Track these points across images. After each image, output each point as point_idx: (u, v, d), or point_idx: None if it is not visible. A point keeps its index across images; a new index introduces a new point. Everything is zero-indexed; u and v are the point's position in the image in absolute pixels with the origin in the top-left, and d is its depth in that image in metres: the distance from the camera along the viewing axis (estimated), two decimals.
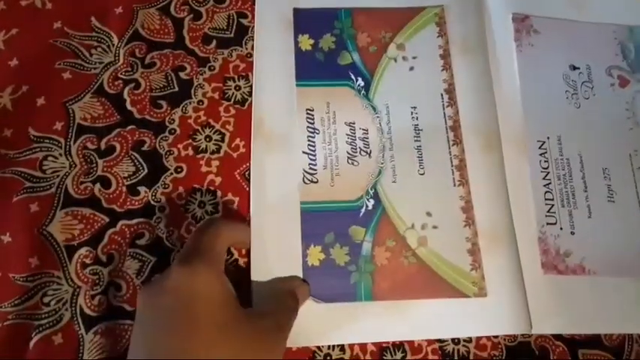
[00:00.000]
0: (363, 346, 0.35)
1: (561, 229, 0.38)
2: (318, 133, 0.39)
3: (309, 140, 0.38)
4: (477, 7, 0.42)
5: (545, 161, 0.39)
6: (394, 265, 0.36)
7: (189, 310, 0.27)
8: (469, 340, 0.36)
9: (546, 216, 0.38)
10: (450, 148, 0.39)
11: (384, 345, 0.35)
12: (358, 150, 0.38)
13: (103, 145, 0.38)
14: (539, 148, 0.39)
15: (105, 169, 0.38)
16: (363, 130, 0.39)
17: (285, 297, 0.33)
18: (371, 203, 0.37)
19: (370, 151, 0.38)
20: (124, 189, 0.37)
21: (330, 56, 0.41)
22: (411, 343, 0.35)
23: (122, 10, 0.41)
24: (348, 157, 0.38)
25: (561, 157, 0.39)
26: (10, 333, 0.34)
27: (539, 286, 0.36)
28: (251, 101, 0.39)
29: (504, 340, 0.36)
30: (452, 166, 0.38)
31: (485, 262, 0.36)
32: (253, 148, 0.38)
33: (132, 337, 0.28)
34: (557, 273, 0.37)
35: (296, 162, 0.38)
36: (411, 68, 0.41)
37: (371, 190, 0.37)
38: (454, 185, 0.38)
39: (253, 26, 0.41)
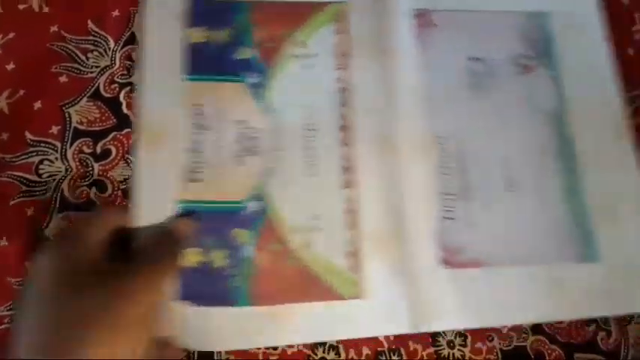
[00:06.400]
0: (357, 349, 0.35)
1: (458, 222, 0.37)
2: (205, 130, 0.37)
3: (194, 137, 0.37)
4: (381, 4, 0.41)
5: (444, 155, 0.39)
6: (275, 268, 0.35)
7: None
8: (464, 344, 0.36)
9: (443, 210, 0.37)
10: (340, 148, 0.38)
11: (379, 349, 0.35)
12: (246, 149, 0.37)
13: (99, 149, 0.38)
14: (439, 142, 0.39)
15: (101, 173, 0.38)
16: (254, 128, 0.38)
17: (162, 242, 0.33)
18: (255, 205, 0.36)
19: (259, 151, 0.37)
20: (120, 193, 0.37)
21: (225, 51, 0.39)
22: (406, 346, 0.36)
23: (119, 14, 0.41)
24: (235, 157, 0.37)
25: (461, 150, 0.39)
26: (6, 337, 0.34)
27: (435, 282, 0.36)
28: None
29: (499, 344, 0.36)
30: (341, 167, 0.37)
31: (369, 263, 0.36)
32: (133, 145, 0.37)
33: None
34: (454, 267, 0.36)
35: (177, 159, 0.37)
36: (309, 66, 0.39)
37: (257, 191, 0.36)
38: (342, 187, 0.37)
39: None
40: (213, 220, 0.36)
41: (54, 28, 0.41)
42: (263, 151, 0.37)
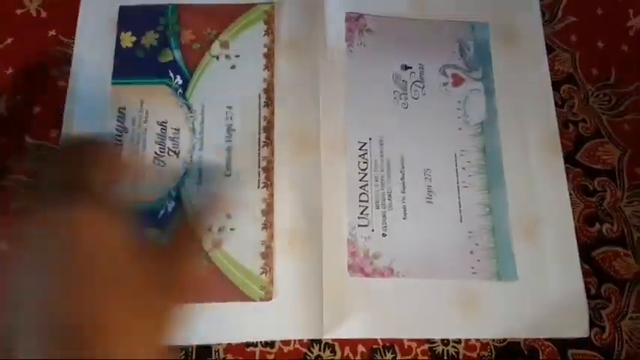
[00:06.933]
0: (353, 347, 0.36)
1: (373, 230, 0.37)
2: (126, 133, 0.38)
3: (116, 140, 0.38)
4: (312, 6, 0.41)
5: (364, 162, 0.38)
6: None
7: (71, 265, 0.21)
8: (458, 341, 0.36)
9: (358, 217, 0.37)
10: (260, 149, 0.38)
11: (374, 346, 0.36)
12: (166, 150, 0.38)
13: None
14: (360, 149, 0.39)
15: None
16: (175, 129, 0.38)
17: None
18: (171, 205, 0.36)
19: (179, 152, 0.38)
20: None
21: (151, 54, 0.40)
22: (400, 344, 0.36)
23: None
24: (155, 158, 0.37)
25: (382, 158, 0.38)
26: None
27: (341, 289, 0.35)
28: None
29: (494, 340, 0.36)
30: (259, 167, 0.38)
31: (279, 265, 0.36)
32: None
33: None
34: (363, 275, 0.36)
35: None
36: (233, 67, 0.40)
37: (173, 191, 0.37)
38: (258, 187, 0.37)
39: None
40: None
41: (52, 33, 0.41)
42: (182, 152, 0.38)
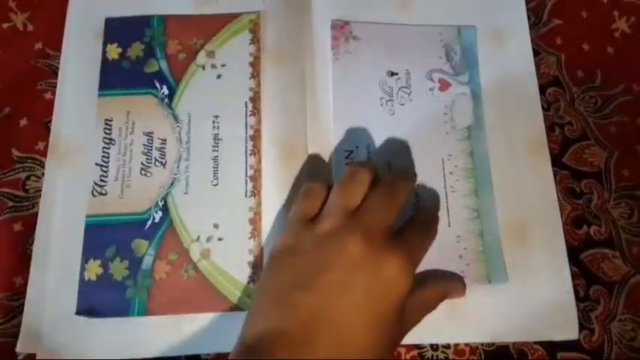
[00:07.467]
0: None
1: None
2: (113, 144, 0.38)
3: (103, 151, 0.38)
4: (298, 14, 0.42)
5: None
6: (173, 279, 0.35)
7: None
8: (447, 345, 0.36)
9: None
10: (247, 157, 0.38)
11: None
12: (153, 160, 0.38)
13: None
14: (347, 157, 0.38)
15: None
16: (161, 139, 0.38)
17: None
18: (158, 215, 0.36)
19: (165, 162, 0.38)
20: None
21: (137, 64, 0.40)
22: None
23: None
24: (142, 168, 0.38)
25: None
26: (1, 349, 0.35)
27: None
28: None
29: (482, 344, 0.36)
30: (246, 176, 0.38)
31: None
32: (47, 163, 0.38)
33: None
34: None
35: (88, 174, 0.37)
36: (219, 76, 0.40)
37: (160, 201, 0.37)
38: (246, 196, 0.37)
39: None
40: (115, 232, 0.36)
41: (38, 46, 0.42)
42: (169, 162, 0.38)
